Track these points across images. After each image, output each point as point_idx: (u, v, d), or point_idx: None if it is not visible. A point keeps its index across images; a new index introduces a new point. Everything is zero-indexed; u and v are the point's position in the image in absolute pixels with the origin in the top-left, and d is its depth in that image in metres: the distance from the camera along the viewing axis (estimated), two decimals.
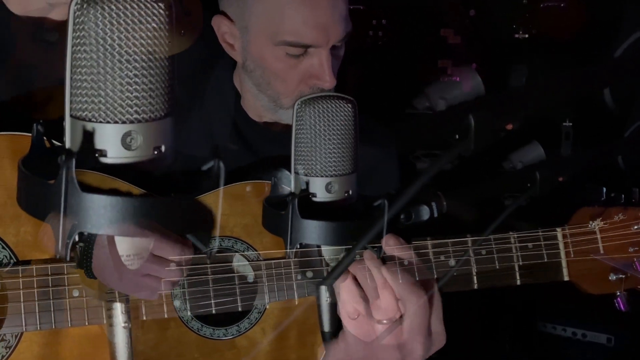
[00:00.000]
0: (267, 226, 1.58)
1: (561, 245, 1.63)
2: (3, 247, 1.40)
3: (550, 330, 3.34)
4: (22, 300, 1.39)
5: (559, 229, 1.64)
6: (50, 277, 1.40)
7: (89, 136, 1.03)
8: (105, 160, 1.04)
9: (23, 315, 1.39)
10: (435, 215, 1.80)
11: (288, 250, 1.52)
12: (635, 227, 1.64)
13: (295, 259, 1.62)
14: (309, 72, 1.88)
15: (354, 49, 1.95)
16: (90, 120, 1.03)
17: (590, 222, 1.65)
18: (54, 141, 1.17)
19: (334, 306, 1.56)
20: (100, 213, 1.03)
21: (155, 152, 1.05)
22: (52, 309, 1.40)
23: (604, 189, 1.69)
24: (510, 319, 3.39)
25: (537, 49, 3.89)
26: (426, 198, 1.79)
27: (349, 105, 1.49)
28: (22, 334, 1.42)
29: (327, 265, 1.61)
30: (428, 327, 1.52)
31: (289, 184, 1.53)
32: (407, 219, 1.76)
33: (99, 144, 1.03)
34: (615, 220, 1.64)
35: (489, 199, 1.81)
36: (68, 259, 1.10)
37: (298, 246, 1.51)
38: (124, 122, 1.03)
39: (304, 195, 1.48)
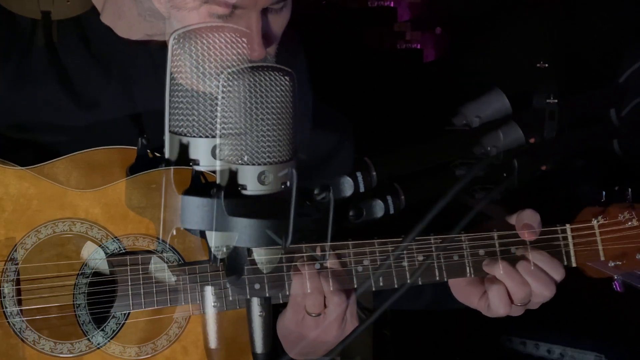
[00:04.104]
0: (186, 225, 1.58)
1: (570, 238, 2.07)
2: (113, 241, 1.88)
3: (532, 350, 3.37)
4: (129, 284, 1.88)
5: (568, 225, 2.07)
6: (153, 265, 1.87)
7: (184, 148, 1.49)
8: (198, 168, 1.50)
9: (130, 295, 1.88)
10: (392, 211, 1.83)
11: (213, 253, 1.53)
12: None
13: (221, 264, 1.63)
14: None
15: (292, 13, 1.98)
16: (185, 135, 1.48)
17: (593, 219, 2.07)
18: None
19: (267, 323, 1.58)
20: (194, 212, 1.48)
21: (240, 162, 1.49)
22: (154, 290, 1.89)
23: (604, 193, 2.11)
24: (477, 336, 3.40)
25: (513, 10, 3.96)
26: (381, 192, 1.82)
27: (286, 77, 1.46)
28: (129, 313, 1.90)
29: (260, 272, 1.62)
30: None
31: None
32: (357, 216, 1.79)
33: (193, 154, 1.49)
34: (620, 219, 2.09)
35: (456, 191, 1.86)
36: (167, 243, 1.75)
37: (224, 249, 1.52)
38: (213, 137, 1.47)
39: (232, 188, 1.48)
